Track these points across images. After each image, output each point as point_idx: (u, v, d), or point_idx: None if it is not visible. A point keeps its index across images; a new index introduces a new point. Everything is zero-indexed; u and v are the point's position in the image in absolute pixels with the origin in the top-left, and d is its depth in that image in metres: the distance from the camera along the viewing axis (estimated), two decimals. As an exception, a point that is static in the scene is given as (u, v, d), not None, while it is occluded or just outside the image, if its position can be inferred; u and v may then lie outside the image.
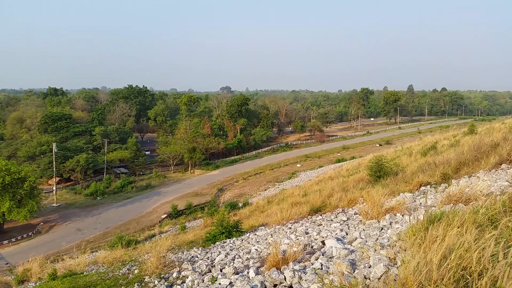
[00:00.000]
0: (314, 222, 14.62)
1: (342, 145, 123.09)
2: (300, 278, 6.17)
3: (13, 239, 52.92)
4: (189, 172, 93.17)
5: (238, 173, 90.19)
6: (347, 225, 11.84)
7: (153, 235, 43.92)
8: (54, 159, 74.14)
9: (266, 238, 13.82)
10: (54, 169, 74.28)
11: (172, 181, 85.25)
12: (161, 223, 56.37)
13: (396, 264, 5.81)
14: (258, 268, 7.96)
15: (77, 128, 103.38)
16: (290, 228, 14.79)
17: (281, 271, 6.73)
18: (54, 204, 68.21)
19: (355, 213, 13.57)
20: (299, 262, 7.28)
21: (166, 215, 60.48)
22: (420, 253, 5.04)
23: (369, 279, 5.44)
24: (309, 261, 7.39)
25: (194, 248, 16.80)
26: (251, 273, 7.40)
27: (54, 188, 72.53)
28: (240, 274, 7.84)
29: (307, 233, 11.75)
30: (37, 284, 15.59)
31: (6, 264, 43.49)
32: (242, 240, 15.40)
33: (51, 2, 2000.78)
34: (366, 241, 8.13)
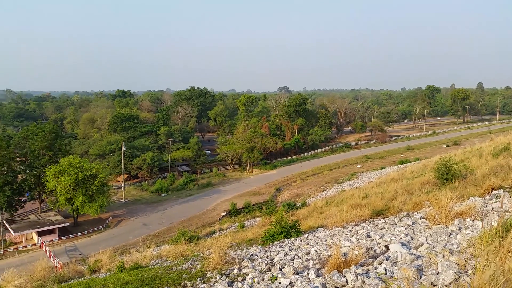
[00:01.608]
0: (376, 225, 14.20)
1: (406, 146, 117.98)
2: (363, 282, 6.04)
3: (86, 232, 56.96)
4: (247, 171, 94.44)
5: (295, 173, 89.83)
6: (412, 229, 11.37)
7: (214, 232, 45.06)
8: (122, 157, 78.73)
9: (326, 240, 13.66)
10: (123, 167, 78.84)
11: (231, 180, 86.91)
12: (221, 220, 57.71)
13: (467, 272, 5.49)
14: (318, 269, 7.91)
15: (144, 128, 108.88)
16: (350, 230, 14.50)
17: (342, 274, 6.64)
18: (122, 200, 72.45)
19: (421, 217, 12.99)
20: (361, 266, 7.13)
21: (225, 212, 61.81)
22: (496, 261, 4.73)
23: (437, 286, 5.20)
24: (372, 265, 7.21)
25: (253, 246, 17.03)
26: (312, 274, 7.37)
27: (122, 184, 77.03)
28: (300, 274, 7.83)
29: (369, 237, 11.45)
30: (106, 274, 16.54)
31: (80, 254, 46.94)
32: (300, 241, 15.35)
33: (116, 11, 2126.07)
34: (434, 247, 7.76)
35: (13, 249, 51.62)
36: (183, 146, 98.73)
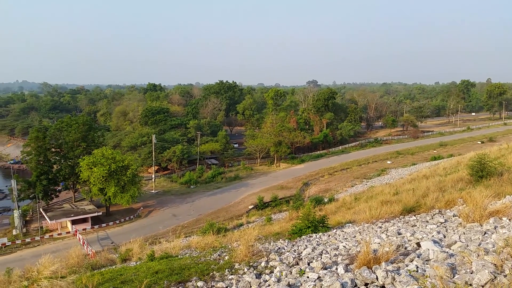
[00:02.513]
0: (407, 222, 13.93)
1: (439, 142, 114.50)
2: (394, 279, 5.95)
3: (117, 221, 58.65)
4: (274, 165, 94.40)
5: (323, 168, 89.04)
6: (445, 227, 11.08)
7: (241, 225, 45.45)
8: (153, 149, 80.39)
9: (355, 236, 13.52)
10: (153, 159, 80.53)
11: (259, 174, 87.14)
12: (248, 213, 58.08)
13: (504, 272, 5.31)
14: (347, 265, 7.85)
15: (174, 121, 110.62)
16: (380, 227, 14.29)
17: (372, 271, 6.56)
18: (153, 191, 74.08)
19: (454, 215, 12.63)
20: (391, 263, 7.03)
21: (252, 206, 62.13)
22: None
23: (472, 285, 5.06)
24: (403, 262, 7.09)
25: (280, 240, 17.05)
26: (340, 270, 7.32)
27: (153, 176, 78.74)
28: (329, 269, 7.80)
29: (399, 234, 11.25)
30: (137, 263, 16.96)
31: (112, 243, 48.43)
32: (329, 236, 15.26)
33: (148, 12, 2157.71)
34: (467, 246, 7.54)
35: (49, 236, 53.86)
36: (211, 139, 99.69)
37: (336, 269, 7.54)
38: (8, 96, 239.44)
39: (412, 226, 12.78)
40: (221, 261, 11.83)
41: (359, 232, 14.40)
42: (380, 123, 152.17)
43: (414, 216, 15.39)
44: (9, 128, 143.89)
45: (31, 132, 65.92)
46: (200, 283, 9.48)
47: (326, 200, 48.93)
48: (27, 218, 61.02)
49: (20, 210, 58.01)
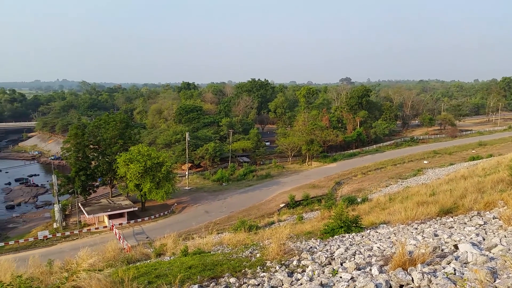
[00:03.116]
0: (444, 224, 13.51)
1: (478, 141, 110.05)
2: (430, 281, 5.81)
3: (152, 216, 60.14)
4: (306, 164, 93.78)
5: (356, 167, 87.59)
6: (484, 229, 10.67)
7: (272, 223, 45.46)
8: (187, 146, 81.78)
9: (389, 237, 13.26)
10: (187, 156, 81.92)
11: (290, 172, 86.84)
12: (279, 211, 58.03)
13: (549, 279, 5.06)
14: (381, 266, 7.72)
15: (207, 119, 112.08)
16: (416, 228, 13.93)
17: (407, 272, 6.42)
18: (186, 188, 75.40)
19: (494, 217, 12.14)
20: (428, 265, 6.85)
21: (284, 204, 62.02)
22: None
23: (514, 292, 4.86)
24: (440, 264, 6.90)
25: (312, 239, 16.94)
26: (374, 271, 7.21)
27: (186, 173, 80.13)
28: (362, 270, 7.70)
29: (436, 235, 10.93)
30: (171, 258, 17.29)
31: (147, 238, 49.69)
32: (362, 236, 15.02)
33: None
34: (509, 249, 7.23)
35: (87, 230, 55.94)
36: (243, 137, 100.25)
37: (370, 270, 7.43)
38: (49, 94, 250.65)
39: (449, 228, 12.38)
40: (253, 259, 11.90)
41: (394, 233, 14.10)
42: (417, 121, 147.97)
43: (452, 217, 14.90)
44: (50, 125, 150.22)
45: (70, 129, 68.51)
46: (232, 279, 9.59)
47: (359, 200, 48.11)
48: (66, 212, 63.58)
49: (60, 205, 60.50)
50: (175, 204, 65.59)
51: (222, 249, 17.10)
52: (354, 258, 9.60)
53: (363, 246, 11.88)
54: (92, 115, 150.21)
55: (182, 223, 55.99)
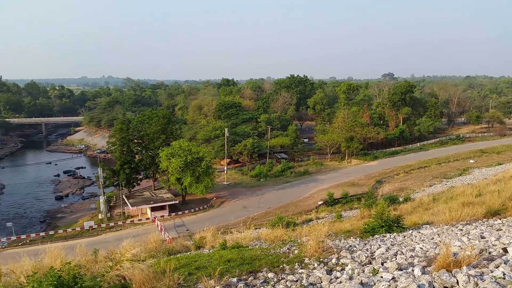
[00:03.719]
0: (492, 226, 12.91)
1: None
2: (476, 284, 5.59)
3: (192, 210, 61.50)
4: (345, 161, 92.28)
5: (398, 165, 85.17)
6: (537, 234, 10.09)
7: (310, 220, 45.21)
8: (225, 142, 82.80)
9: (432, 238, 12.84)
10: (226, 151, 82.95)
11: (329, 169, 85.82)
12: (317, 209, 57.56)
13: None
14: (424, 267, 7.51)
15: (245, 115, 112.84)
16: (461, 230, 13.40)
17: (452, 274, 6.21)
18: (225, 183, 76.41)
19: (548, 221, 11.44)
20: (474, 267, 6.59)
21: (322, 201, 61.45)
22: None
23: None
24: (487, 267, 6.61)
25: (351, 237, 16.68)
26: (417, 271, 7.02)
27: (225, 168, 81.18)
28: (404, 270, 7.52)
29: (482, 237, 10.47)
30: (210, 251, 17.61)
31: (187, 230, 50.92)
32: (404, 237, 14.63)
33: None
34: None
35: (130, 221, 58.06)
36: (281, 133, 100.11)
37: (412, 270, 7.24)
38: (96, 91, 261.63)
39: (497, 230, 11.82)
40: (291, 255, 11.90)
41: (438, 234, 13.63)
42: (463, 119, 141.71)
43: (500, 219, 14.21)
44: (96, 120, 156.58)
45: (115, 124, 71.14)
46: (270, 274, 9.65)
47: (401, 199, 46.84)
48: (111, 204, 66.21)
49: (105, 196, 63.08)
50: (214, 198, 66.65)
51: (260, 244, 17.21)
52: (396, 258, 9.37)
53: (405, 247, 11.58)
54: (136, 111, 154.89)
55: (221, 217, 56.84)
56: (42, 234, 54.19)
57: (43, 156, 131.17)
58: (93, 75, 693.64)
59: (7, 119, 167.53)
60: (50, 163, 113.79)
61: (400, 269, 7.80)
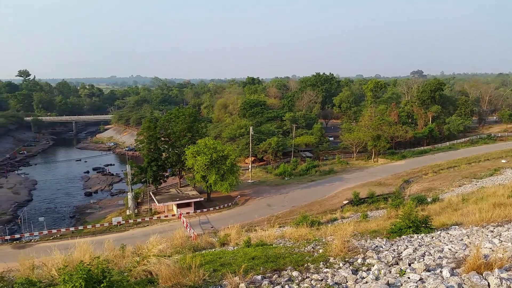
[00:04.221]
0: (526, 228, 12.42)
1: None
2: (509, 287, 5.40)
3: (217, 207, 62.03)
4: (372, 160, 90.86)
5: (427, 165, 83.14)
6: None
7: (335, 219, 44.77)
8: (250, 140, 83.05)
9: (462, 239, 12.49)
10: (250, 150, 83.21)
11: (354, 168, 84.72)
12: (343, 208, 56.92)
13: None
14: (453, 269, 7.32)
15: (270, 113, 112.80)
16: (492, 231, 12.98)
17: (483, 277, 6.03)
18: (249, 181, 76.68)
19: None
20: (506, 270, 6.37)
21: (347, 201, 60.74)
22: None
23: None
24: (521, 271, 6.38)
25: (377, 238, 16.43)
26: (445, 273, 6.86)
27: (249, 166, 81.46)
28: (432, 272, 7.35)
29: (516, 240, 10.10)
30: (234, 248, 17.71)
31: (211, 227, 51.36)
32: (432, 237, 14.30)
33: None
34: None
35: (157, 217, 59.12)
36: (306, 132, 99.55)
37: (441, 271, 7.07)
38: (124, 90, 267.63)
39: (532, 233, 11.37)
40: (315, 254, 11.84)
41: (467, 235, 13.25)
42: (495, 117, 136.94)
43: (535, 222, 13.66)
44: (125, 118, 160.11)
45: (143, 123, 72.58)
46: (295, 273, 9.63)
47: (429, 199, 45.73)
48: (138, 200, 67.62)
49: (133, 193, 64.51)
50: (239, 196, 66.99)
51: (284, 243, 17.18)
52: (423, 259, 9.17)
53: (433, 248, 11.31)
54: (163, 109, 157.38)
55: (245, 215, 57.06)
56: (72, 229, 55.98)
57: (73, 153, 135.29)
58: (122, 74, 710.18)
59: (40, 117, 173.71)
60: (80, 160, 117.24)
61: (428, 270, 7.64)
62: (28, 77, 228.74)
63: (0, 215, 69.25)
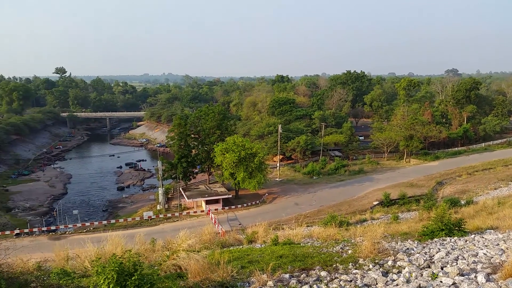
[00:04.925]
0: None
1: None
2: (550, 297, 5.17)
3: (245, 204, 62.35)
4: (404, 160, 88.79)
5: (461, 166, 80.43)
6: None
7: (364, 220, 44.08)
8: (279, 139, 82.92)
9: (498, 244, 12.03)
10: (279, 148, 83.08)
11: (385, 169, 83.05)
12: (372, 209, 55.93)
13: None
14: (488, 274, 7.07)
15: (299, 112, 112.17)
16: (531, 236, 12.43)
17: (522, 284, 5.79)
18: (277, 179, 76.59)
19: None
20: (547, 279, 6.09)
21: (377, 202, 59.64)
22: None
23: None
24: (563, 280, 6.08)
25: (408, 240, 16.09)
26: (481, 278, 6.63)
27: (277, 164, 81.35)
28: (466, 276, 7.13)
29: (557, 247, 9.64)
30: (262, 246, 17.76)
31: (239, 224, 51.72)
32: (465, 241, 13.85)
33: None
34: None
35: (186, 213, 60.04)
36: (335, 130, 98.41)
37: (475, 277, 6.85)
38: (156, 87, 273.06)
39: None
40: (344, 255, 11.72)
41: (503, 240, 12.75)
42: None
43: None
44: (157, 115, 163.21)
45: (174, 120, 73.80)
46: (323, 273, 9.57)
47: (463, 202, 44.28)
48: (169, 196, 68.85)
49: (163, 188, 65.76)
50: (266, 194, 67.05)
51: (312, 242, 17.08)
52: (457, 263, 8.90)
53: (466, 252, 10.96)
54: (194, 107, 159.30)
55: (273, 213, 57.06)
56: (105, 222, 57.73)
57: (107, 148, 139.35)
58: (154, 72, 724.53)
59: (75, 113, 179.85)
60: (113, 155, 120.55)
61: (462, 275, 7.41)
62: (64, 74, 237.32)
63: (37, 207, 72.35)
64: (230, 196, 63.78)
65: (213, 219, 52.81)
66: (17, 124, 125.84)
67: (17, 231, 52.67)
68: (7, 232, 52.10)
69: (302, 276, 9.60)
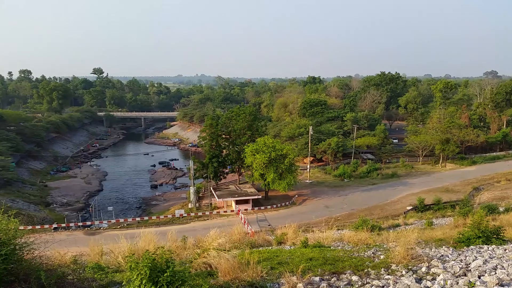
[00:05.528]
0: None
1: None
2: None
3: (274, 206, 62.29)
4: (439, 165, 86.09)
5: (500, 172, 77.17)
6: None
7: (397, 225, 43.02)
8: (309, 140, 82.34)
9: (540, 254, 11.46)
10: (309, 150, 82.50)
11: (420, 173, 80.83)
12: (406, 214, 54.50)
13: None
14: (530, 286, 6.75)
15: (331, 113, 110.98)
16: None
17: None
18: (307, 181, 76.04)
19: None
20: None
21: (411, 207, 58.10)
22: None
23: None
24: None
25: (443, 247, 15.60)
26: (522, 290, 6.34)
27: (308, 166, 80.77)
28: (506, 287, 6.84)
29: None
30: (291, 248, 17.69)
31: (268, 225, 51.73)
32: (505, 250, 13.27)
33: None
34: None
35: (216, 212, 60.67)
36: (368, 133, 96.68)
37: (516, 288, 6.56)
38: (189, 88, 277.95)
39: None
40: (376, 260, 11.51)
41: (547, 250, 12.13)
42: None
43: None
44: (189, 115, 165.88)
45: (206, 120, 74.74)
46: (355, 277, 9.44)
47: (501, 209, 42.46)
48: (200, 195, 69.79)
49: (195, 187, 66.73)
50: (296, 195, 66.72)
51: (343, 246, 16.87)
52: (495, 273, 8.55)
53: (506, 261, 10.51)
54: (225, 108, 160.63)
55: (302, 215, 56.64)
56: (138, 219, 59.25)
57: (141, 147, 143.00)
58: (187, 73, 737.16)
59: (111, 113, 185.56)
60: (148, 154, 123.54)
61: (502, 285, 7.12)
62: (101, 75, 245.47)
63: (74, 202, 75.13)
64: (260, 197, 63.89)
65: (243, 219, 53.02)
66: (57, 123, 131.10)
67: (55, 225, 55.00)
68: (46, 226, 54.43)
69: (332, 279, 9.51)
